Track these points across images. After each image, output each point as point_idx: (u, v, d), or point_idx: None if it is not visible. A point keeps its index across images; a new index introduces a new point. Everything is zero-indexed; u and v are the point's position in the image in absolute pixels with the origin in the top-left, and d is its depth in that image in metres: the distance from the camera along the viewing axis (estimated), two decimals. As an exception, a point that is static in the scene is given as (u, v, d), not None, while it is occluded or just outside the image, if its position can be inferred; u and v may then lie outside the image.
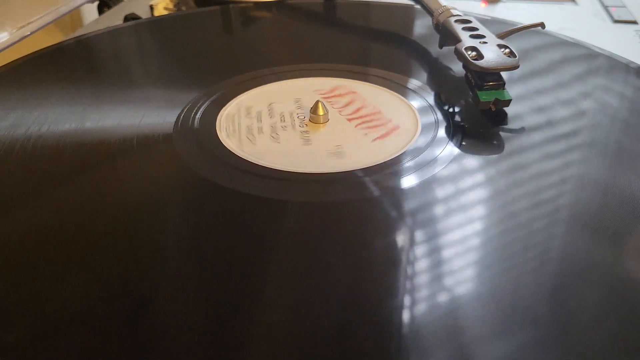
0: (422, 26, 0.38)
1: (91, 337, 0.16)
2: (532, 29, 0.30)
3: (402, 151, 0.24)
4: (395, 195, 0.22)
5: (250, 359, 0.15)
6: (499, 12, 0.45)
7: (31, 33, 0.38)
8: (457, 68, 0.30)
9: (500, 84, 0.27)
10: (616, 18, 0.42)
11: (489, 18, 0.39)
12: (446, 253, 0.19)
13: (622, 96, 0.29)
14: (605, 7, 0.45)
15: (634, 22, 0.42)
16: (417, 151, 0.24)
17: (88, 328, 0.16)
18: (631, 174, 0.23)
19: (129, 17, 0.41)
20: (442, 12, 0.32)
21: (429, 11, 0.34)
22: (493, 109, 0.27)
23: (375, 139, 0.25)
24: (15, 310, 0.17)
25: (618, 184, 0.22)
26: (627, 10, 0.44)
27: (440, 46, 0.32)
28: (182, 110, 0.27)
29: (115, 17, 0.43)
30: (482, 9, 0.45)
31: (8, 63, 0.32)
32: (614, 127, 0.26)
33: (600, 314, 0.17)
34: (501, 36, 0.29)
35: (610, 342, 0.16)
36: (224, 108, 0.28)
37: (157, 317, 0.17)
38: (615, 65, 0.32)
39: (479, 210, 0.21)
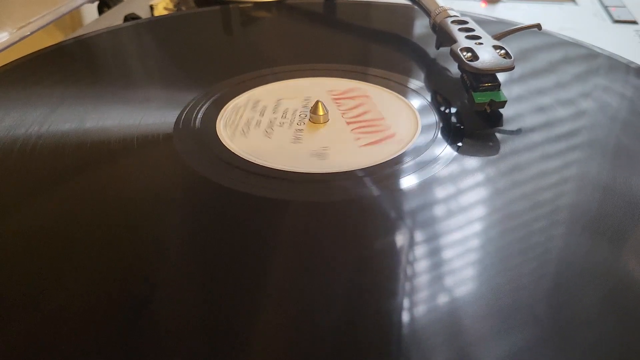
0: (421, 26, 0.38)
1: (91, 336, 0.16)
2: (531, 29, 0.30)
3: (401, 152, 0.24)
4: (394, 195, 0.22)
5: (249, 359, 0.15)
6: (499, 12, 0.45)
7: (31, 33, 0.38)
8: (455, 69, 0.30)
9: (496, 85, 0.27)
10: (616, 18, 0.42)
11: (493, 19, 0.39)
12: (446, 253, 0.19)
13: (622, 96, 0.29)
14: (605, 7, 0.45)
15: (634, 22, 0.42)
16: (416, 151, 0.24)
17: (88, 328, 0.16)
18: (631, 174, 0.23)
19: (129, 17, 0.41)
20: (439, 13, 0.32)
21: (426, 12, 0.34)
22: (488, 110, 0.27)
23: (364, 145, 0.25)
24: (15, 310, 0.17)
25: (618, 184, 0.22)
26: (627, 10, 0.44)
27: (437, 47, 0.32)
28: (182, 110, 0.27)
29: (115, 17, 0.43)
30: (482, 9, 0.45)
31: (8, 63, 0.32)
32: (614, 127, 0.26)
33: (601, 314, 0.17)
34: (497, 37, 0.29)
35: (611, 343, 0.16)
36: (224, 108, 0.28)
37: (157, 317, 0.17)
38: (615, 65, 0.32)
39: (478, 211, 0.21)
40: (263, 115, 0.27)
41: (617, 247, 0.19)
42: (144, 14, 0.43)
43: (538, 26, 0.29)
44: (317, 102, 0.27)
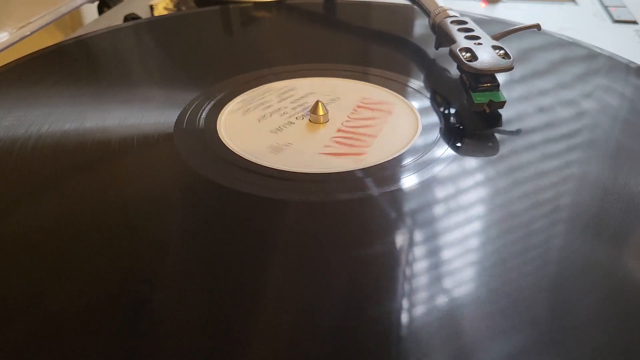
0: (421, 26, 0.38)
1: (91, 336, 0.16)
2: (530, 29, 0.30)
3: (402, 152, 0.24)
4: (394, 196, 0.22)
5: (249, 359, 0.16)
6: (499, 12, 0.45)
7: (31, 33, 0.38)
8: (455, 69, 0.30)
9: (495, 86, 0.27)
10: (616, 18, 0.42)
11: (493, 19, 0.39)
12: (445, 254, 0.19)
13: (622, 96, 0.29)
14: (605, 7, 0.45)
15: (634, 22, 0.42)
16: (416, 152, 0.24)
17: (88, 327, 0.16)
18: (631, 174, 0.23)
19: (129, 17, 0.41)
20: (438, 13, 0.32)
21: (426, 12, 0.34)
22: (487, 111, 0.27)
23: (325, 154, 0.24)
24: (15, 310, 0.17)
25: (618, 184, 0.22)
26: (627, 10, 0.44)
27: (437, 47, 0.32)
28: (182, 110, 0.27)
29: (115, 17, 0.43)
30: (482, 9, 0.45)
31: (8, 63, 0.32)
32: (614, 127, 0.26)
33: (601, 315, 0.17)
34: (497, 37, 0.29)
35: (611, 344, 0.16)
36: (224, 108, 0.28)
37: (158, 317, 0.17)
38: (615, 65, 0.32)
39: (478, 212, 0.21)
40: (263, 114, 0.27)
41: (617, 247, 0.19)
42: (144, 14, 0.43)
43: (537, 26, 0.29)
44: (317, 102, 0.27)
